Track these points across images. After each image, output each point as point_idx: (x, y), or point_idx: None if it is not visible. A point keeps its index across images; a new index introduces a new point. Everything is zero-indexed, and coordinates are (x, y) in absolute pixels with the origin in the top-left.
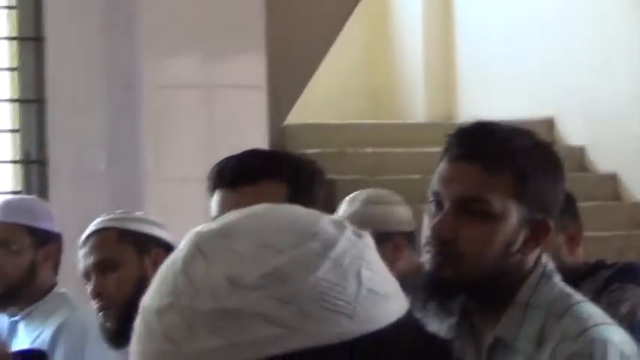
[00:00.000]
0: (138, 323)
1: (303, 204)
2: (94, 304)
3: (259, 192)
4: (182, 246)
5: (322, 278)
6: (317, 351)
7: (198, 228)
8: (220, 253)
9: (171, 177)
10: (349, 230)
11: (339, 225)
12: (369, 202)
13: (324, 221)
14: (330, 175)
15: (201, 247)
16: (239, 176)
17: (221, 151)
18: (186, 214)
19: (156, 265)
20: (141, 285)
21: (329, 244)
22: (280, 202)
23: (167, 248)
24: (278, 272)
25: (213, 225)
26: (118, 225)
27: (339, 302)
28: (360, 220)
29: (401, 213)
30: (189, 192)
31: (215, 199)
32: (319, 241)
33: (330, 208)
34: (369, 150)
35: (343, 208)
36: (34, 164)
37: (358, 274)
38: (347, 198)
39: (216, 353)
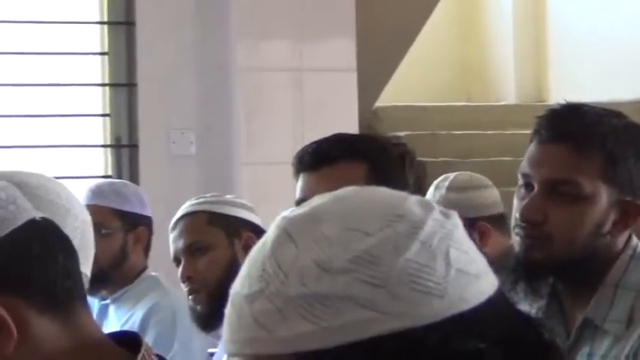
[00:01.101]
0: (228, 309)
1: (388, 186)
2: (184, 288)
3: (337, 174)
4: (270, 231)
5: (411, 260)
6: (410, 332)
7: (286, 212)
8: (308, 237)
9: (262, 160)
10: (436, 210)
11: (426, 205)
12: (452, 188)
13: (411, 202)
14: (421, 158)
15: (289, 232)
16: (317, 159)
17: (311, 135)
18: (275, 197)
19: (246, 248)
20: (231, 268)
21: (417, 226)
22: (359, 183)
23: (257, 232)
24: (367, 255)
25: (301, 209)
26: (208, 208)
27: (429, 283)
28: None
29: (486, 197)
30: (278, 175)
31: (299, 183)
32: (407, 222)
33: (422, 191)
34: (459, 132)
35: (428, 196)
36: (125, 148)
37: (447, 255)
38: (433, 184)
39: (308, 338)
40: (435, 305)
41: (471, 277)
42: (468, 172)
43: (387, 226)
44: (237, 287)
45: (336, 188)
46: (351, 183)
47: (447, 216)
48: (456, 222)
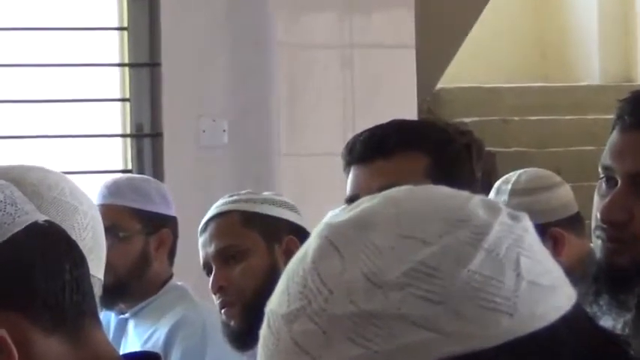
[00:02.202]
0: (264, 329)
1: (453, 181)
2: (216, 300)
3: (394, 167)
4: (311, 240)
5: (476, 272)
6: (475, 356)
7: (329, 218)
8: (356, 247)
9: (305, 151)
10: (504, 213)
11: (492, 207)
12: (516, 192)
13: (474, 204)
14: (490, 148)
15: (333, 242)
16: (371, 149)
17: (362, 122)
18: (321, 194)
19: (288, 254)
20: (270, 277)
21: (481, 232)
22: (419, 178)
23: (300, 234)
24: (424, 267)
25: (346, 215)
26: (243, 207)
27: (497, 299)
28: None
29: (557, 198)
30: (325, 169)
31: (349, 177)
32: (470, 228)
33: (491, 187)
34: (535, 118)
35: (490, 197)
36: (147, 138)
37: (517, 265)
38: (494, 188)
39: None
40: (503, 324)
41: (545, 290)
42: (534, 170)
43: (448, 233)
44: (274, 305)
45: (392, 184)
46: (410, 178)
47: (516, 219)
48: (527, 225)
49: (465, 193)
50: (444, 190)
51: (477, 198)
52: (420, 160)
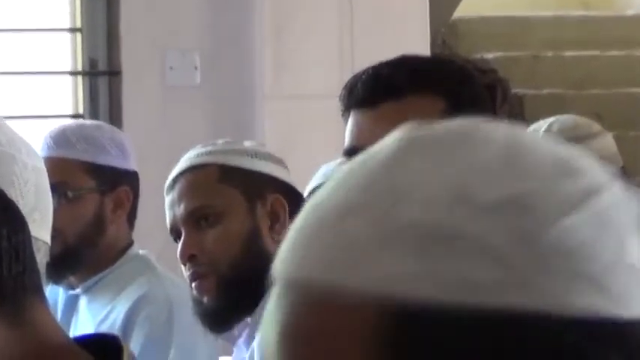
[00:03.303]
0: (297, 222)
1: None
2: (186, 272)
3: (403, 111)
4: (389, 139)
5: (576, 227)
6: (541, 319)
7: (413, 128)
8: (450, 155)
9: (294, 93)
10: (619, 185)
11: (609, 173)
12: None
13: (591, 162)
14: (518, 89)
15: (422, 145)
16: (376, 91)
17: (364, 58)
18: (313, 145)
19: (272, 216)
20: (251, 244)
21: (592, 190)
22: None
23: (287, 192)
24: (523, 200)
25: (448, 124)
26: (219, 160)
27: (589, 266)
28: None
29: (599, 149)
30: (317, 114)
31: (349, 124)
32: (581, 181)
33: None
34: (572, 53)
35: None
36: (102, 76)
37: (621, 240)
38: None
39: (406, 281)
40: (590, 296)
41: None
42: (570, 117)
43: (556, 177)
44: (321, 196)
45: None
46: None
47: (635, 193)
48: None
49: (580, 151)
50: (562, 145)
51: (592, 159)
52: (435, 103)
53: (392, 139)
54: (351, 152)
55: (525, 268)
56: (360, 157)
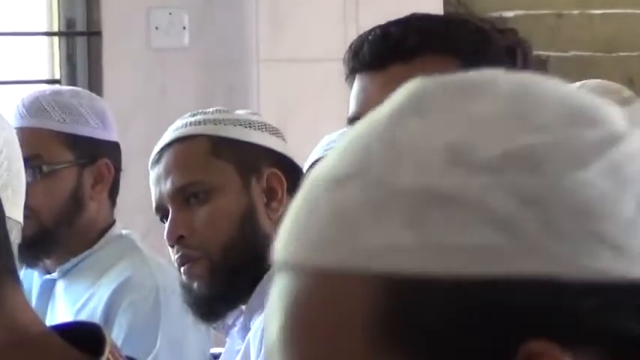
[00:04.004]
0: (294, 204)
1: None
2: (174, 255)
3: (415, 74)
4: (394, 97)
5: (589, 182)
6: (554, 285)
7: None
8: (449, 111)
9: (291, 56)
10: None
11: (632, 120)
12: None
13: (614, 111)
14: (540, 52)
15: (422, 100)
16: (384, 52)
17: (368, 18)
18: (313, 113)
19: (269, 192)
20: (246, 223)
21: (611, 139)
22: None
23: (285, 166)
24: (528, 154)
25: (449, 79)
26: (210, 131)
27: (606, 225)
28: None
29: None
30: (318, 79)
31: (354, 89)
32: (600, 130)
33: None
34: (600, 11)
35: None
36: (81, 37)
37: None
38: None
39: (404, 253)
40: (604, 258)
41: None
42: (598, 81)
43: (570, 126)
44: (318, 171)
45: None
46: None
47: None
48: None
49: (603, 99)
50: (575, 89)
51: (619, 108)
52: (448, 66)
53: (391, 100)
54: (356, 119)
55: (532, 232)
56: (359, 124)
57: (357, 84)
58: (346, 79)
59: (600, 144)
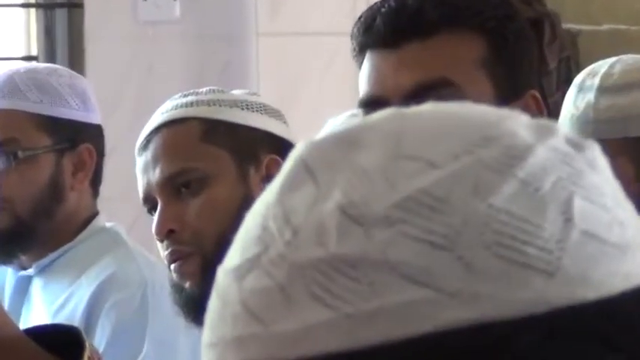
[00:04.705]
0: (212, 297)
1: (514, 73)
2: (163, 250)
3: (435, 53)
4: (285, 165)
5: (500, 208)
6: (488, 329)
7: (316, 137)
8: (337, 171)
9: (294, 29)
10: (560, 138)
11: (541, 128)
12: (606, 89)
13: (515, 122)
14: (570, 25)
15: (309, 165)
16: (400, 27)
17: None
18: (318, 94)
19: (269, 181)
20: (243, 216)
21: (516, 155)
22: (472, 68)
23: (286, 153)
24: (426, 197)
25: (336, 131)
26: (203, 113)
27: (530, 249)
28: (595, 120)
29: None
30: (323, 57)
31: (364, 68)
32: (499, 148)
33: (569, 81)
34: None
35: (568, 104)
36: (61, 9)
37: (567, 207)
38: (574, 84)
39: (324, 333)
40: (536, 286)
41: (610, 247)
42: (634, 57)
43: (466, 153)
44: (225, 262)
45: (433, 77)
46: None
47: (578, 147)
48: (594, 158)
49: (505, 111)
50: (479, 108)
51: (523, 117)
52: (472, 42)
53: (286, 163)
54: (368, 103)
55: (450, 277)
56: (256, 203)
57: (368, 62)
58: (355, 57)
59: (502, 164)
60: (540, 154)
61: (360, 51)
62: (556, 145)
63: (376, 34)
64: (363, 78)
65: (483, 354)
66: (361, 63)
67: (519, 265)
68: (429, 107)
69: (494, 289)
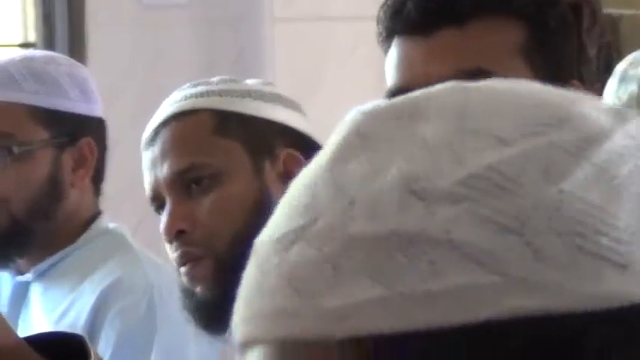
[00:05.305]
0: (247, 270)
1: (552, 62)
2: (172, 252)
3: (470, 41)
4: (335, 135)
5: (573, 194)
6: (553, 321)
7: (368, 105)
8: (397, 142)
9: (311, 14)
10: (636, 124)
11: (617, 114)
12: None
13: (588, 105)
14: (611, 9)
15: (365, 134)
16: (432, 12)
17: None
18: (339, 83)
19: (285, 177)
20: (258, 214)
21: (591, 139)
22: (509, 57)
23: (304, 146)
24: (495, 174)
25: (393, 101)
26: (215, 104)
27: (604, 240)
28: None
29: None
30: (343, 43)
31: (391, 55)
32: (573, 131)
33: (611, 69)
34: None
35: (608, 92)
36: None
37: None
38: (615, 72)
39: (375, 312)
40: (609, 279)
41: None
42: None
43: (537, 134)
44: (266, 231)
45: (468, 67)
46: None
47: None
48: None
49: (578, 93)
50: (548, 87)
51: (597, 101)
52: (510, 28)
53: (336, 132)
54: (396, 93)
55: (517, 262)
56: (301, 173)
57: (397, 49)
58: (380, 42)
59: (576, 148)
60: (617, 141)
61: (387, 37)
62: (633, 132)
63: (406, 19)
64: (390, 66)
65: (551, 346)
66: (387, 50)
67: (592, 255)
68: (491, 82)
69: (564, 279)
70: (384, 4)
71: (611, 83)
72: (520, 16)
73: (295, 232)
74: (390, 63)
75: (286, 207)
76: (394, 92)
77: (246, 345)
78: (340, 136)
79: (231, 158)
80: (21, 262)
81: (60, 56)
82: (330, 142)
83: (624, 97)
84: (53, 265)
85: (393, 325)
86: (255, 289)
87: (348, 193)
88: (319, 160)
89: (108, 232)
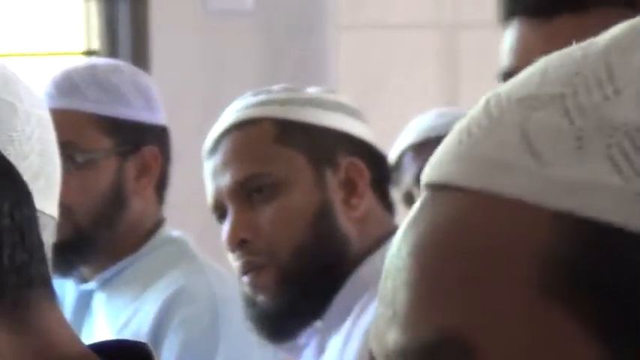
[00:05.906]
0: (476, 112)
1: None
2: (235, 261)
3: (589, 27)
4: (622, 25)
5: None
6: None
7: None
8: None
9: (377, 22)
10: None
11: None
12: None
13: None
14: None
15: None
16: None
17: None
18: (402, 90)
19: (347, 185)
20: (320, 224)
21: None
22: None
23: (366, 155)
24: None
25: None
26: (277, 113)
27: None
28: None
29: None
30: (408, 51)
31: (509, 34)
32: None
33: None
34: None
35: None
36: (123, 0)
37: None
38: None
39: (605, 199)
40: None
41: None
42: None
43: None
44: (504, 88)
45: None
46: None
47: None
48: None
49: None
50: None
51: None
52: (624, 19)
53: (607, 34)
54: (511, 74)
55: None
56: (557, 54)
57: (514, 31)
58: (500, 21)
59: None
60: None
61: (508, 17)
62: None
63: (527, 1)
64: (507, 47)
65: None
66: (505, 30)
67: None
68: None
69: None
70: None
71: None
72: (633, 7)
73: (550, 97)
74: (507, 44)
75: (539, 73)
76: (507, 73)
77: (436, 187)
78: (626, 27)
79: (292, 167)
80: (84, 270)
81: (123, 64)
82: (605, 36)
83: None
84: (117, 273)
85: (615, 218)
86: (483, 134)
87: (617, 81)
88: (592, 43)
89: (171, 240)
